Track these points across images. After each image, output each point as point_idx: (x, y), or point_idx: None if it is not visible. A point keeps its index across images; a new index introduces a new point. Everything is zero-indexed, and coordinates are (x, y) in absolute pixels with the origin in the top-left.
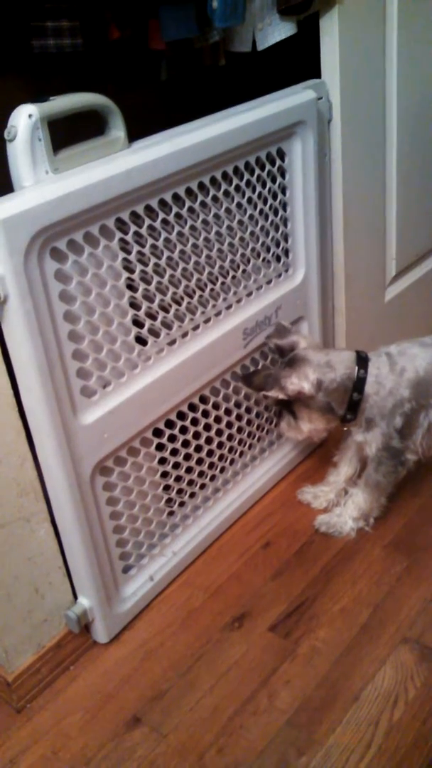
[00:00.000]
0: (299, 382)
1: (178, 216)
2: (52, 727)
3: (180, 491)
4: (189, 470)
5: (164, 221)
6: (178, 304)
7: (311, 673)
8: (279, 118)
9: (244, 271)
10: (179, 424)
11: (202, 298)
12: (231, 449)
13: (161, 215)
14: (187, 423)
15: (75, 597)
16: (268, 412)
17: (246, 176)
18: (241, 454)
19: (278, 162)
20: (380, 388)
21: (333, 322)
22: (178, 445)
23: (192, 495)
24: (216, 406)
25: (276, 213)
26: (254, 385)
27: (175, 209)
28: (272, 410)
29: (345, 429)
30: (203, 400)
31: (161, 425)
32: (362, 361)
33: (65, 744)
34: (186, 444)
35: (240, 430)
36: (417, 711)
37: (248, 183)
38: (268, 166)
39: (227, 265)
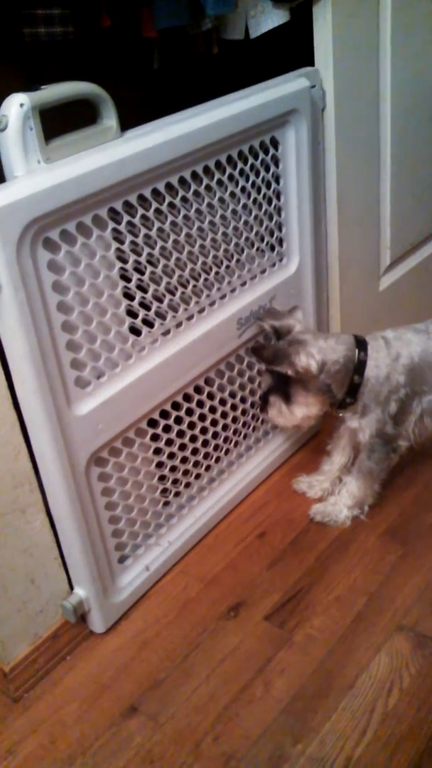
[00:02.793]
0: (308, 360)
1: (171, 206)
2: (49, 717)
3: (175, 481)
4: (184, 460)
5: (157, 211)
6: (172, 294)
7: (306, 662)
8: (272, 107)
9: (238, 260)
10: (174, 414)
11: (196, 288)
12: (226, 439)
13: (154, 205)
14: (182, 413)
15: (71, 587)
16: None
17: (239, 165)
18: (236, 444)
19: (272, 151)
20: (378, 372)
21: (327, 312)
22: (173, 435)
23: (187, 485)
24: (211, 396)
25: (270, 202)
26: (264, 358)
27: (168, 199)
28: (258, 396)
29: (340, 415)
30: (198, 390)
31: (156, 415)
32: (361, 344)
33: (62, 733)
34: (181, 434)
35: (235, 420)
36: (412, 698)
37: (241, 172)
38: (261, 155)
39: (221, 255)
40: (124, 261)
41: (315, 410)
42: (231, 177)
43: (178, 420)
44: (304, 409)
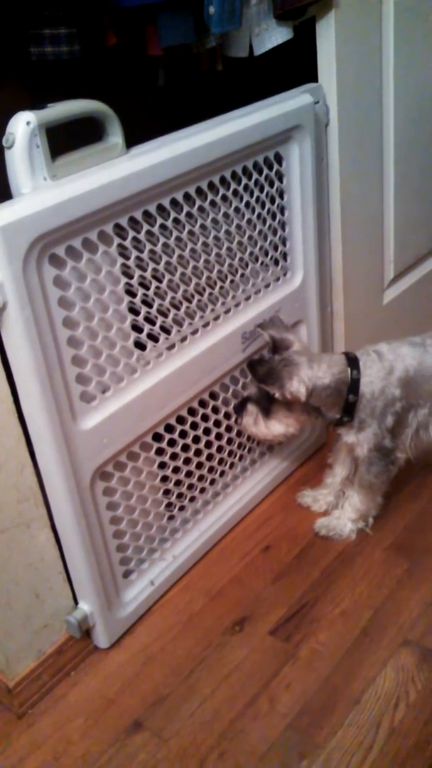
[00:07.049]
0: (298, 387)
1: (176, 221)
2: (53, 733)
3: (180, 495)
4: (189, 474)
5: (162, 226)
6: (177, 308)
7: (312, 677)
8: (276, 123)
9: (242, 275)
10: (179, 428)
11: (200, 302)
12: (231, 453)
13: (159, 220)
14: (187, 427)
15: (75, 602)
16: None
17: (244, 180)
18: (241, 457)
19: (276, 166)
20: (372, 387)
21: (331, 326)
22: (177, 449)
23: (192, 499)
24: (215, 410)
25: (274, 217)
26: (258, 375)
27: (173, 214)
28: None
29: (338, 432)
30: (202, 404)
31: (161, 430)
32: (353, 362)
33: (67, 749)
34: (186, 448)
35: (239, 433)
36: (418, 713)
37: (246, 187)
38: (265, 171)
39: (226, 270)
40: (130, 276)
41: (292, 429)
42: (235, 192)
43: (183, 434)
44: (281, 427)
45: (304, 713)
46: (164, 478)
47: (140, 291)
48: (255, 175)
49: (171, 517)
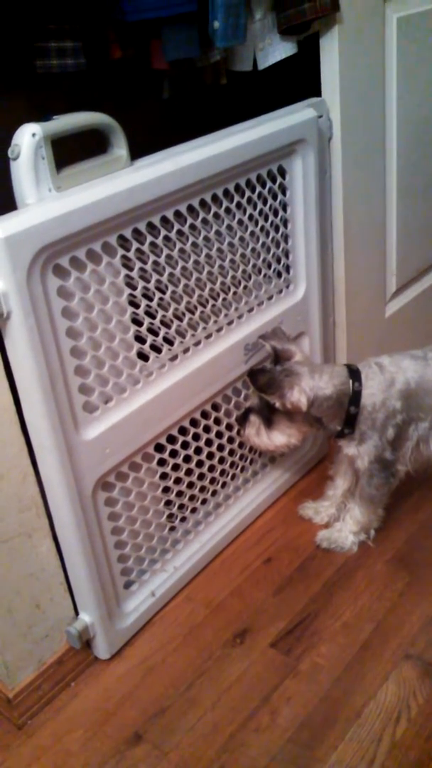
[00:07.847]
0: (299, 397)
1: (179, 233)
2: (53, 744)
3: (181, 506)
4: (191, 485)
5: (166, 238)
6: (180, 319)
7: (313, 690)
8: (280, 137)
9: (245, 286)
10: (181, 439)
11: (203, 313)
12: (233, 464)
13: (163, 232)
14: (189, 438)
15: (76, 613)
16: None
17: (247, 193)
18: (243, 469)
19: (279, 179)
20: (374, 399)
21: (334, 338)
22: (179, 460)
23: (193, 510)
24: (218, 422)
25: (277, 229)
26: (259, 384)
27: (176, 226)
28: (236, 414)
29: (339, 444)
30: (205, 415)
31: (163, 440)
32: (354, 374)
33: (66, 761)
34: (188, 459)
35: (242, 445)
36: (420, 728)
37: (249, 200)
38: (269, 184)
39: (229, 281)
40: (133, 287)
41: (294, 440)
42: (239, 205)
43: (185, 445)
44: (283, 438)
45: (304, 727)
46: (166, 489)
47: (143, 302)
48: (258, 188)
49: (172, 528)
